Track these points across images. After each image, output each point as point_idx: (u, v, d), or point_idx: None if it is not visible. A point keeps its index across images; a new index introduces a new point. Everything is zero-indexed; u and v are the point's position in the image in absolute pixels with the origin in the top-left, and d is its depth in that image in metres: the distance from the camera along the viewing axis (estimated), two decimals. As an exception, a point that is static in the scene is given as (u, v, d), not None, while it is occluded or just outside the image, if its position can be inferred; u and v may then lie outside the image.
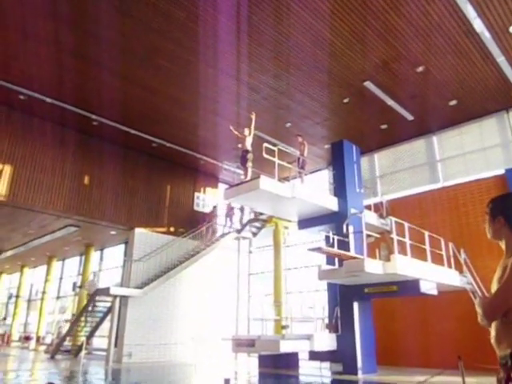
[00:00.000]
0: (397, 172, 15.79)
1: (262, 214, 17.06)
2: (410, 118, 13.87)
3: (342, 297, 11.42)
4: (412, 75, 11.68)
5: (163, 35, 10.31)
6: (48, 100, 12.91)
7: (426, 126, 14.63)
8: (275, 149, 10.28)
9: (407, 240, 10.17)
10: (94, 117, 13.97)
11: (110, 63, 11.51)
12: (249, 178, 10.09)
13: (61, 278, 25.43)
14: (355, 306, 11.08)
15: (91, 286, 16.20)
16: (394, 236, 9.98)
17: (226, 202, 17.95)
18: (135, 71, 11.84)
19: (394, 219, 10.46)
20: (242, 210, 17.93)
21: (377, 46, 10.54)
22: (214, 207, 18.61)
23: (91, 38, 10.49)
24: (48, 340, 22.17)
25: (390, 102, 12.96)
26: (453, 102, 13.05)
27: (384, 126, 14.60)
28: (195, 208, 18.64)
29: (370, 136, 15.22)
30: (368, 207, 13.04)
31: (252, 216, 17.79)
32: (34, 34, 10.33)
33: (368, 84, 12.07)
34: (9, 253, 23.38)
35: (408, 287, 10.21)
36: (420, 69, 11.37)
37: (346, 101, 13.05)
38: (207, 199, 19.21)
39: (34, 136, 14.18)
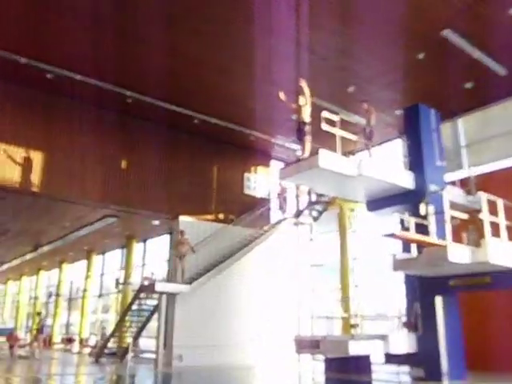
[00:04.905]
0: (487, 139, 15.18)
1: (323, 195, 16.98)
2: (503, 72, 13.19)
3: (422, 290, 11.22)
4: (504, 19, 11.06)
5: (201, -7, 10.40)
6: (78, 77, 13.43)
7: (522, 81, 13.88)
8: (336, 118, 10.15)
9: (502, 220, 9.79)
10: (128, 93, 14.37)
11: (144, 32, 11.75)
12: (307, 154, 10.03)
13: (102, 274, 26.76)
14: (438, 301, 10.87)
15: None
16: (486, 216, 9.64)
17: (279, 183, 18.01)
18: (172, 39, 12.02)
19: (484, 196, 10.08)
20: (309, 192, 17.79)
21: (457, -14, 10.07)
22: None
23: (122, 7, 10.76)
24: (92, 342, 23.51)
25: (477, 54, 12.36)
26: (557, 50, 12.28)
27: (469, 85, 14.00)
28: (246, 191, 18.85)
29: (452, 97, 14.64)
30: (452, 183, 12.64)
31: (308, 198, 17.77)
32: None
33: (448, 33, 11.56)
34: (46, 248, 24.85)
35: (504, 278, 9.85)
36: (513, 10, 10.76)
37: (420, 56, 12.61)
38: (259, 180, 19.35)
39: (65, 119, 14.84)
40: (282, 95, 10.54)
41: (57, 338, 28.02)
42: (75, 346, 24.77)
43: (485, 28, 11.44)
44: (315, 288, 20.10)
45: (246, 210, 18.01)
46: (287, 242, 19.88)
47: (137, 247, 21.96)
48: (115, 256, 25.52)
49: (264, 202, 18.92)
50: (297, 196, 18.03)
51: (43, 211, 17.48)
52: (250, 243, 16.90)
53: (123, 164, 15.93)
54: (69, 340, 25.56)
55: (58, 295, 28.88)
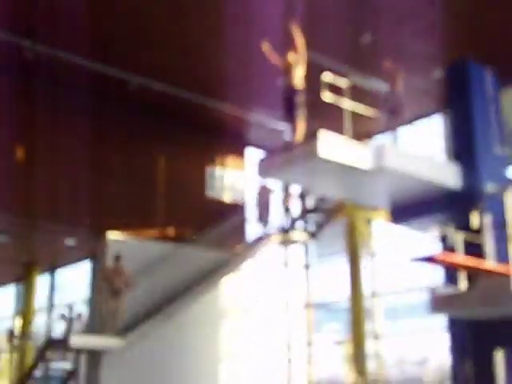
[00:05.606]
0: None
1: (324, 199, 17.01)
2: None
3: (476, 341, 11.29)
4: None
5: None
6: None
7: None
8: (344, 83, 10.15)
9: None
10: (27, 43, 14.15)
11: None
12: (300, 137, 10.00)
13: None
14: (499, 357, 10.94)
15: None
16: None
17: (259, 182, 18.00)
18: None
19: None
20: (303, 195, 17.82)
21: None
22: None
23: None
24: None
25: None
26: None
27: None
28: (209, 194, 18.81)
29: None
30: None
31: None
32: None
33: None
34: None
35: None
36: None
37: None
38: (229, 177, 19.31)
39: None
40: (266, 46, 10.49)
41: None
42: None
43: None
44: (313, 340, 20.10)
45: (210, 223, 17.97)
46: (271, 269, 19.86)
47: (40, 280, 21.69)
48: (6, 295, 25.19)
49: (236, 209, 18.86)
50: (285, 201, 18.03)
51: None
52: (216, 273, 16.80)
53: (23, 152, 15.71)
54: None
55: None
